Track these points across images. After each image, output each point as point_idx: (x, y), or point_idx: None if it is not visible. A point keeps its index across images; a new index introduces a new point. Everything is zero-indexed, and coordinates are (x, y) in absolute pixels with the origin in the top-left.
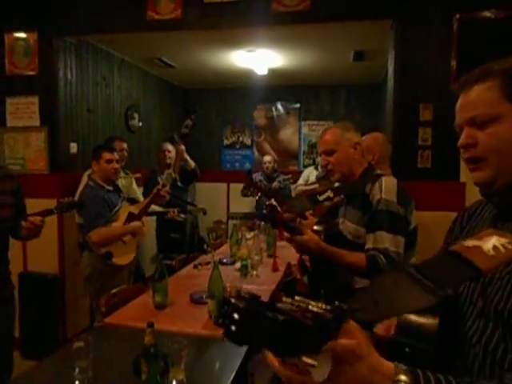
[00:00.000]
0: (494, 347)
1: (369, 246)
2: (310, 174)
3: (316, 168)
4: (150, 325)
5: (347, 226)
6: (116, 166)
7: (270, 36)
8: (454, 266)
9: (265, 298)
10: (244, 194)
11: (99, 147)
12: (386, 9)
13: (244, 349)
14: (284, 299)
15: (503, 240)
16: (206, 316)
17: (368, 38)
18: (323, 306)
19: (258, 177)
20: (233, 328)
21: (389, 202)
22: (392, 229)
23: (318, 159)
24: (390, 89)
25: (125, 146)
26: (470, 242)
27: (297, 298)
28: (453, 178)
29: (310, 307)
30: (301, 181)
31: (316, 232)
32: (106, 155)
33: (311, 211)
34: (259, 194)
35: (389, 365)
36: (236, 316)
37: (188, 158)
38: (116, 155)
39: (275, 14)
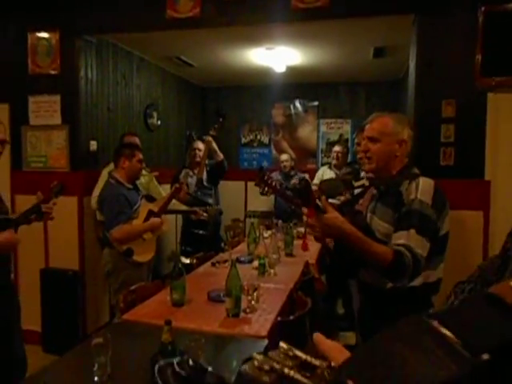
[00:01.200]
0: None
1: (398, 241)
2: (324, 173)
3: (330, 167)
4: (168, 322)
5: (376, 223)
6: (143, 165)
7: (289, 33)
8: (495, 320)
9: (283, 296)
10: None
11: (130, 145)
12: (408, 3)
13: (262, 347)
14: (271, 353)
15: None
16: (224, 314)
17: (389, 33)
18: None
19: (275, 176)
20: None
21: (423, 203)
22: (422, 231)
23: (331, 159)
24: (411, 85)
25: (137, 141)
26: None
27: (292, 352)
28: (477, 175)
29: (286, 372)
30: (315, 180)
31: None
32: (139, 154)
33: (343, 196)
34: (270, 191)
35: None
36: None
37: (217, 148)
38: None
39: (294, 10)
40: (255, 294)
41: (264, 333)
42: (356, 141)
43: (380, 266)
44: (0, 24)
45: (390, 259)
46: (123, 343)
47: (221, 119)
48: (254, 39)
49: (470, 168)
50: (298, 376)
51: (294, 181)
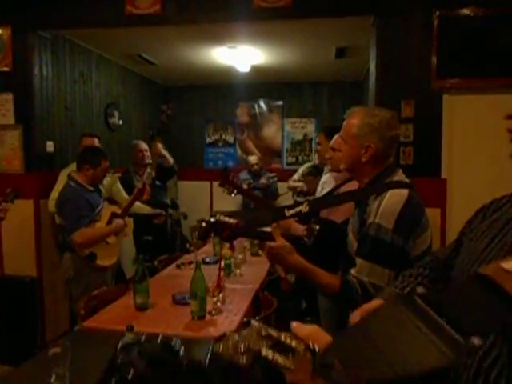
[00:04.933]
0: None
1: (352, 270)
2: (301, 170)
3: (312, 165)
4: (130, 328)
5: (349, 236)
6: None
7: (252, 32)
8: (485, 301)
9: (249, 297)
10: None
11: (95, 152)
12: (367, 5)
13: None
14: (243, 332)
15: None
16: (189, 317)
17: (350, 34)
18: (270, 355)
19: (244, 176)
20: None
21: (381, 228)
22: (374, 258)
23: (314, 157)
24: (371, 85)
25: (96, 142)
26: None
27: (265, 331)
28: (434, 174)
29: (264, 353)
30: (295, 176)
31: (310, 231)
32: (105, 163)
33: (270, 228)
34: (235, 192)
35: None
36: None
37: (166, 154)
38: None
39: (256, 9)
40: (220, 295)
41: None
42: (317, 140)
43: (329, 295)
44: None
45: (336, 290)
46: (83, 352)
47: (170, 104)
48: (217, 38)
49: (428, 167)
50: (277, 357)
51: (263, 180)
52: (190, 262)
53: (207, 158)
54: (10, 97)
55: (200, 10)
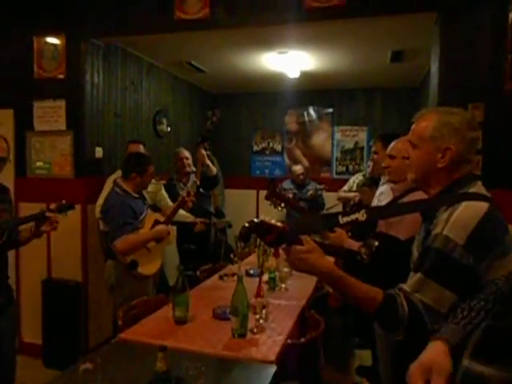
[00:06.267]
0: None
1: (401, 285)
2: (356, 181)
3: (364, 175)
4: (163, 348)
5: (413, 251)
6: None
7: (303, 35)
8: None
9: (294, 315)
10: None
11: (140, 158)
12: (430, 1)
13: (270, 375)
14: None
15: None
16: (229, 334)
17: (407, 36)
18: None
19: (287, 185)
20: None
21: (450, 241)
22: (434, 274)
23: (365, 166)
24: (432, 89)
25: (142, 149)
26: None
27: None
28: (507, 186)
29: None
30: (345, 187)
31: (367, 246)
32: (151, 168)
33: (319, 237)
34: (282, 205)
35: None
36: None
37: (210, 163)
38: None
39: (308, 10)
40: (264, 311)
41: (272, 357)
42: (373, 149)
43: (367, 311)
44: (5, 29)
45: (377, 305)
46: (117, 366)
47: (216, 111)
48: (266, 42)
49: (500, 178)
50: None
51: (311, 192)
52: (234, 274)
53: (254, 166)
54: (62, 103)
55: (249, 12)
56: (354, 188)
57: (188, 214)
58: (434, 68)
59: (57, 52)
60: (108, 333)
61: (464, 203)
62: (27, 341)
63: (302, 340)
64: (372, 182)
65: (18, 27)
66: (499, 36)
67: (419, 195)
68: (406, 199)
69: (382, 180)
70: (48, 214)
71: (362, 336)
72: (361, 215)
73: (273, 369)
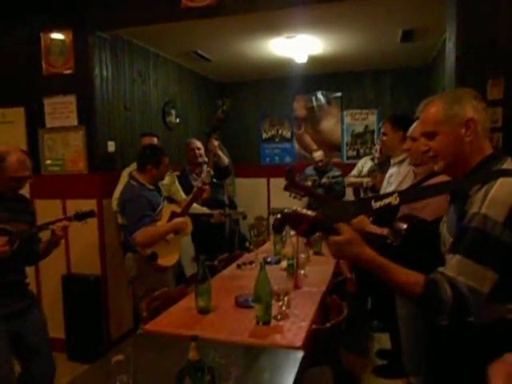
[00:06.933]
0: None
1: (441, 268)
2: (365, 165)
3: (372, 159)
4: (194, 338)
5: (443, 234)
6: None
7: (311, 18)
8: None
9: (315, 300)
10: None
11: (155, 151)
12: None
13: (298, 360)
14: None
15: None
16: (253, 321)
17: (420, 12)
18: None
19: (309, 172)
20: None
21: (488, 220)
22: (477, 257)
23: (373, 150)
24: (448, 66)
25: (155, 141)
26: None
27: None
28: None
29: None
30: (354, 171)
31: (396, 230)
32: (166, 159)
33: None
34: (302, 195)
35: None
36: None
37: (221, 154)
38: None
39: None
40: (286, 298)
41: (299, 343)
42: (382, 130)
43: (411, 297)
44: (12, 26)
45: (419, 291)
46: (146, 357)
47: (225, 99)
48: (274, 27)
49: None
50: None
51: (324, 179)
52: (251, 262)
53: (263, 154)
54: (73, 99)
55: None
56: (365, 173)
57: (200, 207)
58: (451, 44)
59: (64, 47)
60: (128, 325)
61: (500, 179)
62: (51, 336)
63: (328, 325)
64: (382, 166)
65: (25, 24)
66: None
67: (442, 178)
68: (433, 180)
69: (392, 161)
70: (55, 225)
71: (380, 319)
72: (394, 199)
73: (300, 354)
